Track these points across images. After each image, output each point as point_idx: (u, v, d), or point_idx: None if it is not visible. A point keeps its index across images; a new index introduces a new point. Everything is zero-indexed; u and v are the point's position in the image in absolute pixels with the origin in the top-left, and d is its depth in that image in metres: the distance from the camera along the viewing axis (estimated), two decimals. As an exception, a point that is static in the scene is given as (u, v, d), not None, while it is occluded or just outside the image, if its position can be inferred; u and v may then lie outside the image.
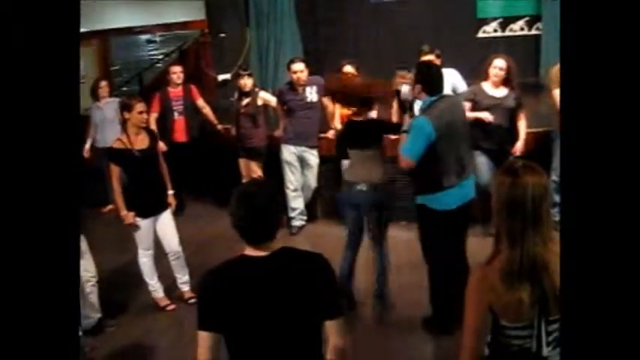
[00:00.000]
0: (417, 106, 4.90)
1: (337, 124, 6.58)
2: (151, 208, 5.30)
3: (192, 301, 5.41)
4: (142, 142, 5.20)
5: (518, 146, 5.99)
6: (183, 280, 5.57)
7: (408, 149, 4.42)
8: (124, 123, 5.22)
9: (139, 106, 5.15)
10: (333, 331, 2.52)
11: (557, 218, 6.33)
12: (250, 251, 2.51)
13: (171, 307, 5.50)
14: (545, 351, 2.32)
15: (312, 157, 6.92)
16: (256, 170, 6.96)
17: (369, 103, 5.03)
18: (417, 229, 4.74)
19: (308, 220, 7.24)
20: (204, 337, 2.50)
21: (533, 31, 9.43)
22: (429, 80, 4.50)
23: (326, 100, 6.79)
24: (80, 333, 4.32)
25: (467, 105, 6.09)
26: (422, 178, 4.52)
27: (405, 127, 4.55)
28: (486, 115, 5.85)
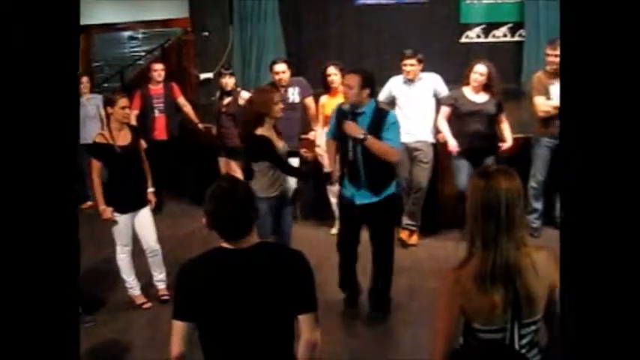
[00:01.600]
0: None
1: (320, 126, 6.58)
2: (129, 204, 5.29)
3: (165, 298, 5.43)
4: (124, 138, 5.20)
5: (507, 146, 6.03)
6: (159, 277, 5.55)
7: (398, 143, 4.87)
8: (106, 118, 5.20)
9: (122, 102, 5.15)
10: (306, 326, 2.55)
11: (535, 225, 6.41)
12: (228, 245, 2.53)
13: (148, 305, 5.48)
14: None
15: (293, 158, 6.90)
16: (236, 170, 6.92)
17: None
18: (384, 221, 4.99)
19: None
20: (178, 327, 2.52)
21: (516, 38, 9.53)
22: (374, 85, 4.87)
23: (308, 102, 6.79)
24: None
25: (447, 109, 6.14)
26: (393, 167, 4.97)
27: (363, 132, 4.67)
28: (453, 146, 6.04)
